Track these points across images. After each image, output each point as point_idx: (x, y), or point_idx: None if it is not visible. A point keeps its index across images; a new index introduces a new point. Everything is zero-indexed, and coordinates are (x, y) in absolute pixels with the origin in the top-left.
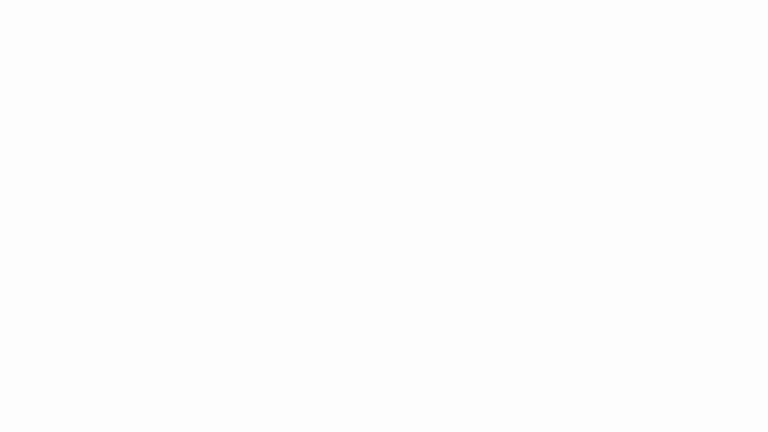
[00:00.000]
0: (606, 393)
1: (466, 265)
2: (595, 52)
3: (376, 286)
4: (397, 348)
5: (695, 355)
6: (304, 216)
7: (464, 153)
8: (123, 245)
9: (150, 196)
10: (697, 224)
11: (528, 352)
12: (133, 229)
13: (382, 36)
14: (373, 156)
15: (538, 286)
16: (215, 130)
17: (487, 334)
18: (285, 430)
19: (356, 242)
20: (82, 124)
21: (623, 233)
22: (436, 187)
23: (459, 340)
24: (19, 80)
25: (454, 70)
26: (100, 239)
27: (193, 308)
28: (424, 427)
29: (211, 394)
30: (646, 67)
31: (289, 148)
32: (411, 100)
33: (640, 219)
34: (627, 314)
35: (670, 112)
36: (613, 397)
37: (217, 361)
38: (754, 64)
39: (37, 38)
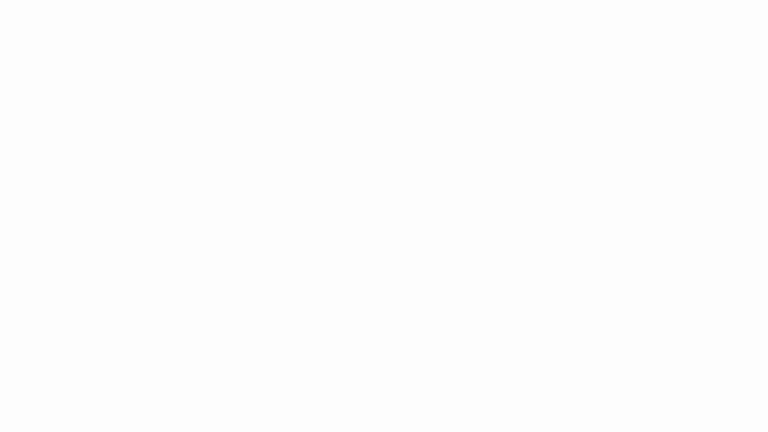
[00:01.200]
0: (605, 393)
1: (466, 265)
2: (595, 52)
3: (376, 285)
4: (397, 348)
5: (694, 355)
6: (303, 216)
7: (464, 153)
8: (123, 245)
9: (150, 196)
10: (697, 224)
11: (527, 352)
12: (133, 228)
13: (382, 36)
14: (374, 156)
15: (538, 285)
16: (215, 130)
17: (487, 334)
18: (285, 430)
19: (356, 242)
20: (82, 124)
21: (623, 233)
22: (436, 187)
23: (458, 340)
24: (19, 80)
25: (454, 70)
26: (100, 239)
27: (193, 308)
28: (423, 427)
29: (210, 394)
30: (646, 67)
31: (289, 148)
32: (411, 100)
33: (640, 219)
34: (626, 314)
35: (670, 112)
36: (612, 396)
37: (216, 360)
38: (754, 64)
39: (37, 38)
